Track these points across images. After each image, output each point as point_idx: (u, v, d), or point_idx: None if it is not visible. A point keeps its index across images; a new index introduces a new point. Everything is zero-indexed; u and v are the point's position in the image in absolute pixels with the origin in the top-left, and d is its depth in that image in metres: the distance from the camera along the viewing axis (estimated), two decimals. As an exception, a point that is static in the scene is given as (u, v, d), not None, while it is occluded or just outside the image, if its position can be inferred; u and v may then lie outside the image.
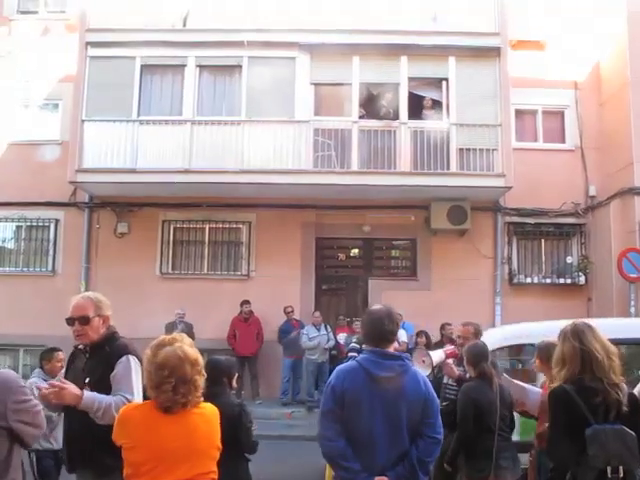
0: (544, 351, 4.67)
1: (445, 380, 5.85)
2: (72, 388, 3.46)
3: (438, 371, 5.86)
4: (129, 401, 3.46)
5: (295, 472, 6.87)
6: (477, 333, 5.77)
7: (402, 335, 12.23)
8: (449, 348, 5.86)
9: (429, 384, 3.54)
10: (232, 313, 12.87)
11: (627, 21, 13.25)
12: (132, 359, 3.65)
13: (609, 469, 3.26)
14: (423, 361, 5.47)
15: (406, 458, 3.37)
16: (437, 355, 5.58)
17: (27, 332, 12.55)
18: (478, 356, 4.99)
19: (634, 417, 3.41)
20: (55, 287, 13.28)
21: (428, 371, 5.42)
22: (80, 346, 3.90)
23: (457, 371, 5.56)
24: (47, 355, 6.29)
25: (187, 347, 3.16)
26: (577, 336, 3.51)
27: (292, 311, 12.94)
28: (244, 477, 4.44)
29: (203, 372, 3.18)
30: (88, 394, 3.51)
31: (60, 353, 6.17)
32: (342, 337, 12.48)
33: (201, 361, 3.18)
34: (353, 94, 12.87)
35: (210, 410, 3.19)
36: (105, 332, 3.82)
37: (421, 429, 3.42)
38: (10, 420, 3.06)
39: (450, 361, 5.63)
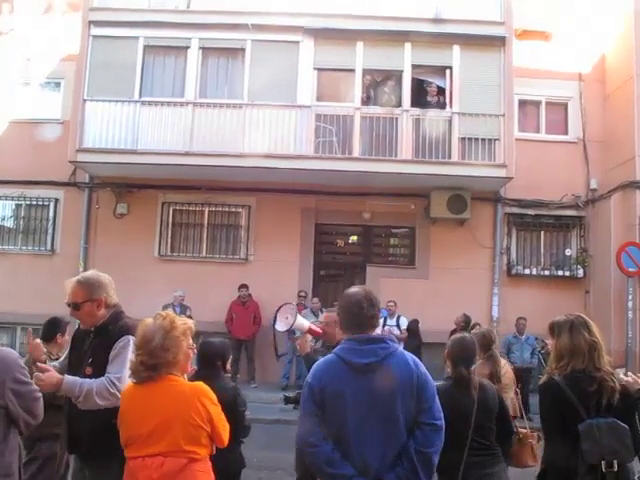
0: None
1: None
2: (49, 376, 3.40)
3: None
4: (112, 382, 3.44)
5: (289, 456, 6.89)
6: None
7: (403, 323, 12.28)
8: (317, 325, 5.45)
9: (420, 364, 3.10)
10: (230, 297, 12.89)
11: (634, 15, 13.16)
12: (132, 340, 3.55)
13: (603, 464, 3.26)
14: (287, 317, 5.19)
15: (404, 455, 2.93)
16: (301, 323, 5.21)
17: (25, 311, 12.55)
18: (459, 357, 4.22)
19: (626, 409, 3.42)
20: (53, 266, 13.30)
21: (283, 329, 5.20)
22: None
23: (308, 348, 5.20)
24: (61, 328, 5.52)
25: (166, 322, 3.21)
26: (587, 328, 3.54)
27: (305, 296, 12.98)
28: (237, 459, 4.46)
29: (180, 347, 3.22)
30: (69, 380, 3.47)
31: (69, 327, 5.49)
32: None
33: (178, 336, 3.21)
34: (356, 80, 12.81)
35: (189, 387, 3.22)
36: (109, 312, 3.75)
37: (417, 416, 2.98)
38: (6, 398, 3.01)
39: (309, 337, 5.29)
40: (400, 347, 3.18)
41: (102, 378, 3.48)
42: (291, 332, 5.32)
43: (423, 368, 3.09)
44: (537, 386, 3.65)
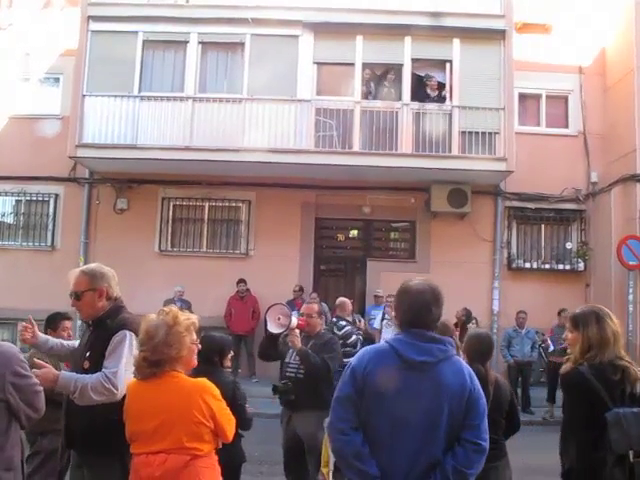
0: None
1: (287, 358, 5.58)
2: (45, 372, 3.41)
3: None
4: (107, 378, 3.43)
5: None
6: (321, 313, 5.68)
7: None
8: (299, 318, 5.55)
9: (475, 377, 2.86)
10: (230, 291, 12.90)
11: (634, 8, 13.11)
12: (128, 334, 3.55)
13: (631, 453, 3.22)
14: (279, 318, 5.25)
15: (439, 468, 2.68)
16: (294, 321, 5.31)
17: (25, 306, 12.42)
18: (477, 352, 4.34)
19: None
20: (54, 262, 13.29)
21: (278, 330, 5.25)
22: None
23: (300, 343, 5.32)
24: (52, 323, 5.56)
25: (169, 317, 3.20)
26: (610, 318, 3.49)
27: (299, 290, 12.96)
28: (237, 453, 4.47)
29: (183, 343, 3.21)
30: (64, 376, 3.48)
31: (68, 322, 5.62)
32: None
33: (182, 332, 3.20)
34: (356, 74, 12.78)
35: (192, 383, 3.20)
36: (110, 305, 3.74)
37: (461, 432, 2.73)
38: (7, 392, 3.02)
39: (298, 332, 5.34)
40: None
41: (98, 373, 3.47)
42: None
43: (477, 382, 2.86)
44: (560, 378, 3.55)
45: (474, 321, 11.53)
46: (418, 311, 2.86)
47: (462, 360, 2.95)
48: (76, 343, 4.23)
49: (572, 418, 3.46)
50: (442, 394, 2.71)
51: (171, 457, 3.05)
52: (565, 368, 3.53)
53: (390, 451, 2.70)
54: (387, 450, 2.70)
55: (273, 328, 5.31)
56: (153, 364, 3.13)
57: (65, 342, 4.28)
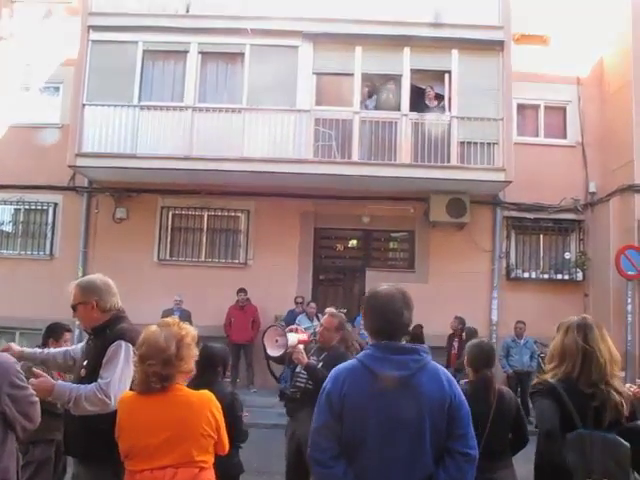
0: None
1: (298, 368, 5.53)
2: (41, 382, 3.41)
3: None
4: (101, 388, 3.41)
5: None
6: (339, 328, 5.60)
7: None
8: (303, 335, 5.51)
9: (454, 382, 2.75)
10: (229, 301, 12.87)
11: (632, 19, 13.19)
12: (124, 345, 3.53)
13: None
14: (276, 340, 5.23)
15: None
16: (292, 338, 5.26)
17: (24, 315, 12.55)
18: (480, 362, 4.29)
19: (633, 428, 3.11)
20: (53, 271, 13.29)
21: (279, 352, 5.20)
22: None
23: (306, 359, 5.26)
24: (55, 333, 5.60)
25: (176, 329, 3.15)
26: (583, 332, 3.17)
27: (302, 302, 12.93)
28: (235, 464, 4.46)
29: (191, 355, 3.17)
30: (60, 385, 3.49)
31: (68, 334, 5.69)
32: None
33: (190, 343, 3.16)
34: (355, 84, 12.82)
35: (198, 397, 3.15)
36: (109, 315, 3.74)
37: (449, 444, 2.63)
38: (3, 404, 3.01)
39: (301, 347, 5.30)
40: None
41: (93, 384, 3.46)
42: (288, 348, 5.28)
43: (458, 388, 2.75)
44: (530, 389, 3.23)
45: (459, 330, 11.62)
46: (388, 316, 2.75)
47: (438, 365, 2.79)
48: (71, 350, 4.23)
49: (546, 428, 3.09)
50: (422, 405, 2.61)
51: (180, 471, 2.98)
52: (536, 380, 3.25)
53: (382, 470, 2.60)
54: (377, 474, 2.60)
55: (274, 352, 5.27)
56: (164, 378, 3.03)
57: (61, 351, 4.26)
